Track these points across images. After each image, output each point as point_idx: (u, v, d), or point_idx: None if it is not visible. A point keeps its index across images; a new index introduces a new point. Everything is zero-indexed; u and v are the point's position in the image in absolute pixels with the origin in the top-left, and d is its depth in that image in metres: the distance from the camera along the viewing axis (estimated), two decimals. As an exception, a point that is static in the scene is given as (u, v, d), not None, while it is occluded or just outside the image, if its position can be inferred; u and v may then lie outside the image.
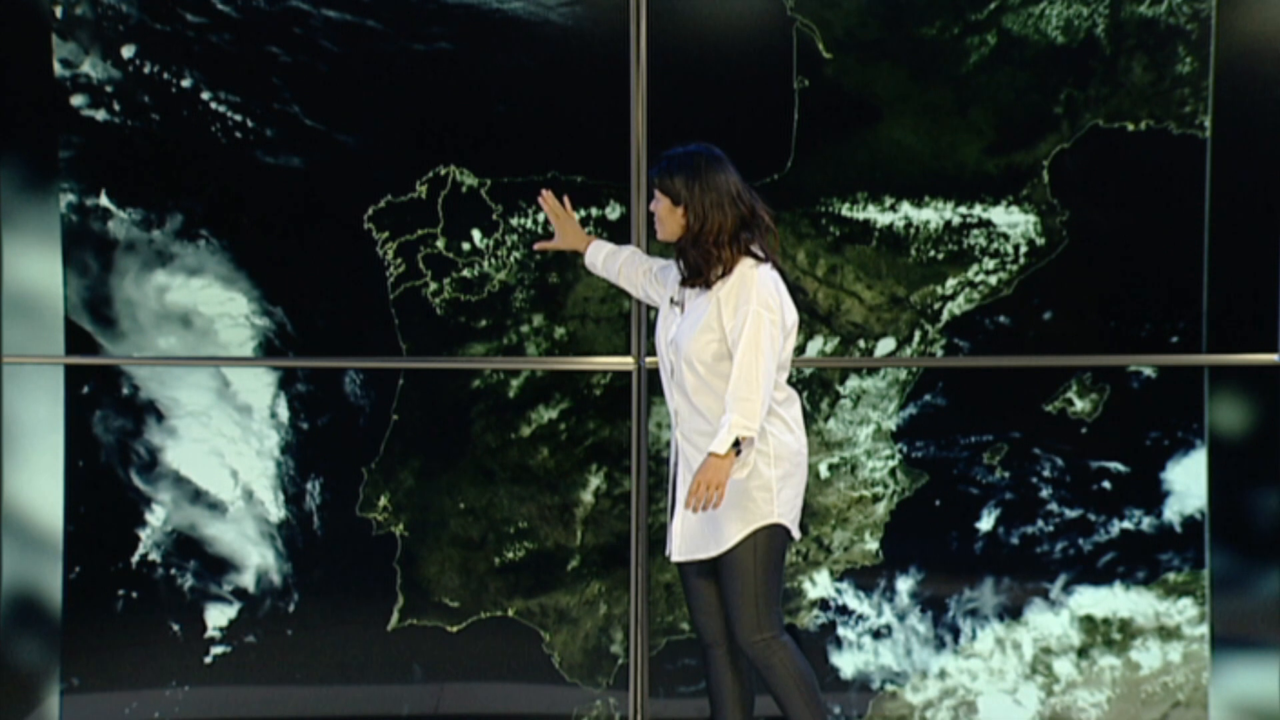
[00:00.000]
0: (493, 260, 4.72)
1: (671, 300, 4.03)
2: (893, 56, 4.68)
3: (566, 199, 4.35)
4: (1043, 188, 4.71)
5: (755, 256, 3.91)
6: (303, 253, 4.71)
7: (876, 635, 4.80)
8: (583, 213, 4.68)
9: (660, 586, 4.79)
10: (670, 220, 3.95)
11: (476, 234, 4.71)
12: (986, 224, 4.72)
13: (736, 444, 3.78)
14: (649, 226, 4.67)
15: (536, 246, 4.43)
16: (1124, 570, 4.79)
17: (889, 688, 4.81)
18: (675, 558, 4.00)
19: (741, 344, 3.82)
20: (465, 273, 4.72)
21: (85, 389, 4.73)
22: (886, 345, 4.74)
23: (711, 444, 3.79)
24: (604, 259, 4.32)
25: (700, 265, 3.90)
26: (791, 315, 3.94)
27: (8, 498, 4.73)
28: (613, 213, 4.70)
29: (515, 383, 4.75)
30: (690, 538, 3.96)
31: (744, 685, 4.08)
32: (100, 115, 4.68)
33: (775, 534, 3.93)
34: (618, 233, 4.69)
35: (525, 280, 4.72)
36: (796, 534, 3.99)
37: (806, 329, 4.72)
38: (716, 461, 3.77)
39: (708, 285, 3.91)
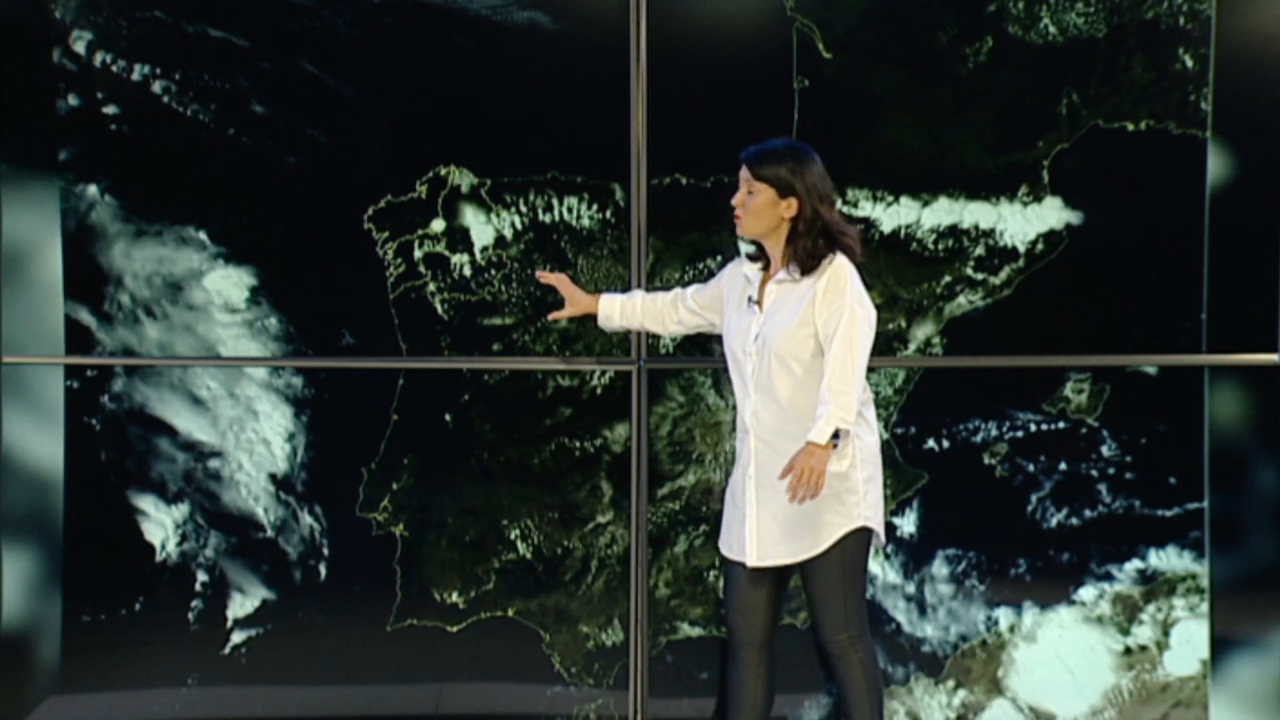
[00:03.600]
0: (492, 260, 4.72)
1: (750, 299, 4.00)
2: (893, 56, 4.68)
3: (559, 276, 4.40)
4: (1043, 188, 4.71)
5: (849, 251, 3.92)
6: (303, 252, 4.71)
7: (877, 634, 4.79)
8: (583, 212, 4.68)
9: (660, 586, 4.79)
10: (769, 213, 3.93)
11: (476, 234, 4.71)
12: (986, 224, 4.71)
13: (834, 436, 3.78)
14: (649, 226, 4.67)
15: (551, 317, 4.45)
16: (1124, 570, 4.79)
17: (890, 687, 4.81)
18: (754, 562, 3.95)
19: (837, 339, 3.81)
20: (465, 272, 4.72)
21: (85, 388, 4.73)
22: (885, 345, 4.74)
23: (810, 434, 3.76)
24: (620, 313, 4.33)
25: (813, 254, 3.89)
26: (873, 314, 3.95)
27: (7, 497, 4.73)
28: (613, 213, 4.70)
29: (515, 383, 4.75)
30: (773, 542, 3.93)
31: (766, 690, 4.07)
32: (100, 115, 4.68)
33: (863, 537, 3.93)
34: (618, 231, 4.69)
35: (525, 280, 4.72)
36: (883, 537, 4.00)
37: (806, 329, 4.72)
38: (817, 450, 3.74)
39: (806, 274, 3.90)
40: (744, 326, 3.99)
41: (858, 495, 3.90)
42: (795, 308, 3.88)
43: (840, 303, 3.84)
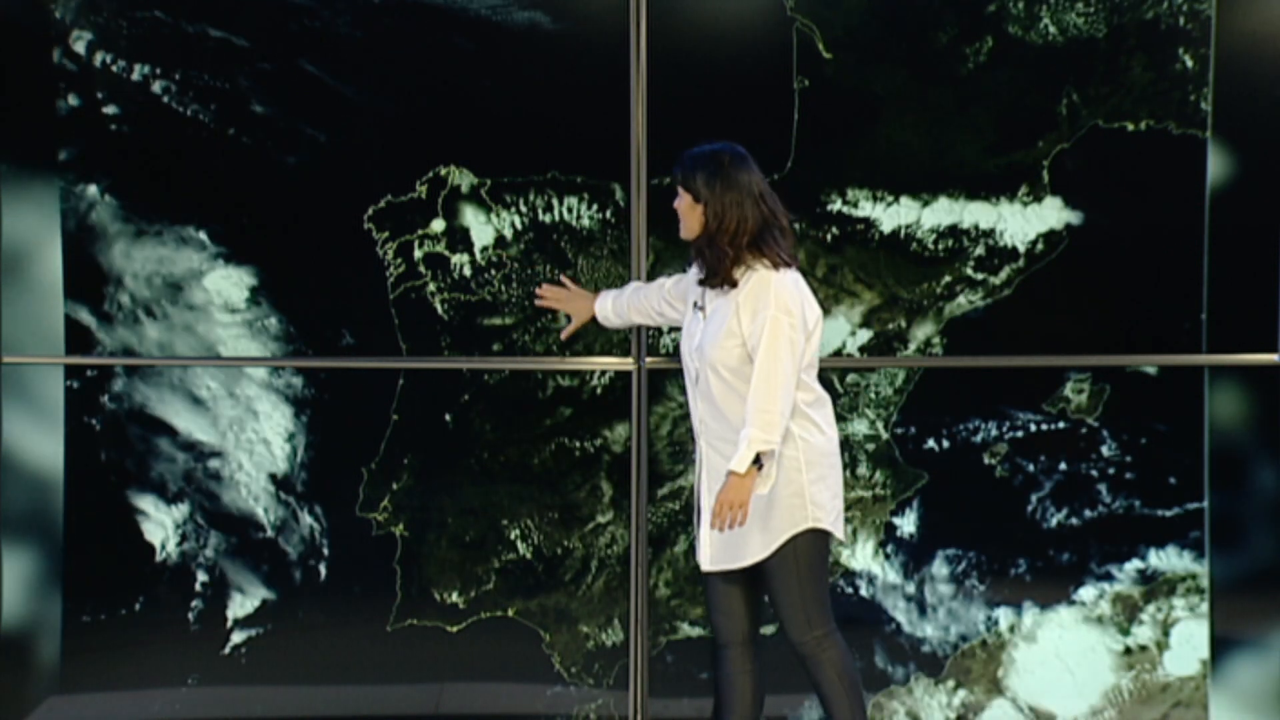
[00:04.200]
0: (492, 260, 4.72)
1: (695, 305, 4.02)
2: (893, 56, 4.68)
3: (563, 278, 4.47)
4: (1043, 188, 4.71)
5: (775, 259, 3.88)
6: (303, 252, 4.71)
7: (876, 634, 4.80)
8: (583, 212, 4.68)
9: (660, 586, 4.79)
10: (691, 217, 3.94)
11: (476, 234, 4.71)
12: (986, 224, 4.71)
13: (757, 460, 3.77)
14: (649, 225, 4.67)
15: (564, 335, 4.57)
16: (1124, 570, 4.79)
17: (890, 687, 4.81)
18: (707, 567, 3.97)
19: (760, 352, 3.80)
20: (465, 272, 4.72)
21: (85, 388, 4.73)
22: (885, 345, 4.74)
23: (731, 463, 3.77)
24: (612, 308, 4.39)
25: (716, 264, 3.89)
26: (813, 314, 3.92)
27: (8, 497, 4.73)
28: (613, 213, 4.70)
29: (515, 383, 4.75)
30: (724, 547, 3.94)
31: (755, 687, 4.07)
32: (100, 115, 4.68)
33: (815, 538, 3.92)
34: (618, 231, 4.69)
35: (525, 280, 4.72)
36: (840, 534, 3.99)
37: (806, 329, 4.73)
38: (737, 481, 3.75)
39: (728, 285, 3.89)
40: (691, 332, 4.02)
41: (803, 498, 3.89)
42: (724, 317, 3.88)
43: (764, 313, 3.81)
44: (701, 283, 3.96)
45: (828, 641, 3.94)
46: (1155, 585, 4.79)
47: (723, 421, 3.91)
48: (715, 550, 3.95)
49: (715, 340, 3.87)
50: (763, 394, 3.77)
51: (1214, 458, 4.77)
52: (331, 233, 4.70)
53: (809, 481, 3.88)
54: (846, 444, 4.76)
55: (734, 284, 3.87)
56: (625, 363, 4.73)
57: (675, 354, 4.71)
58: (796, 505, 3.88)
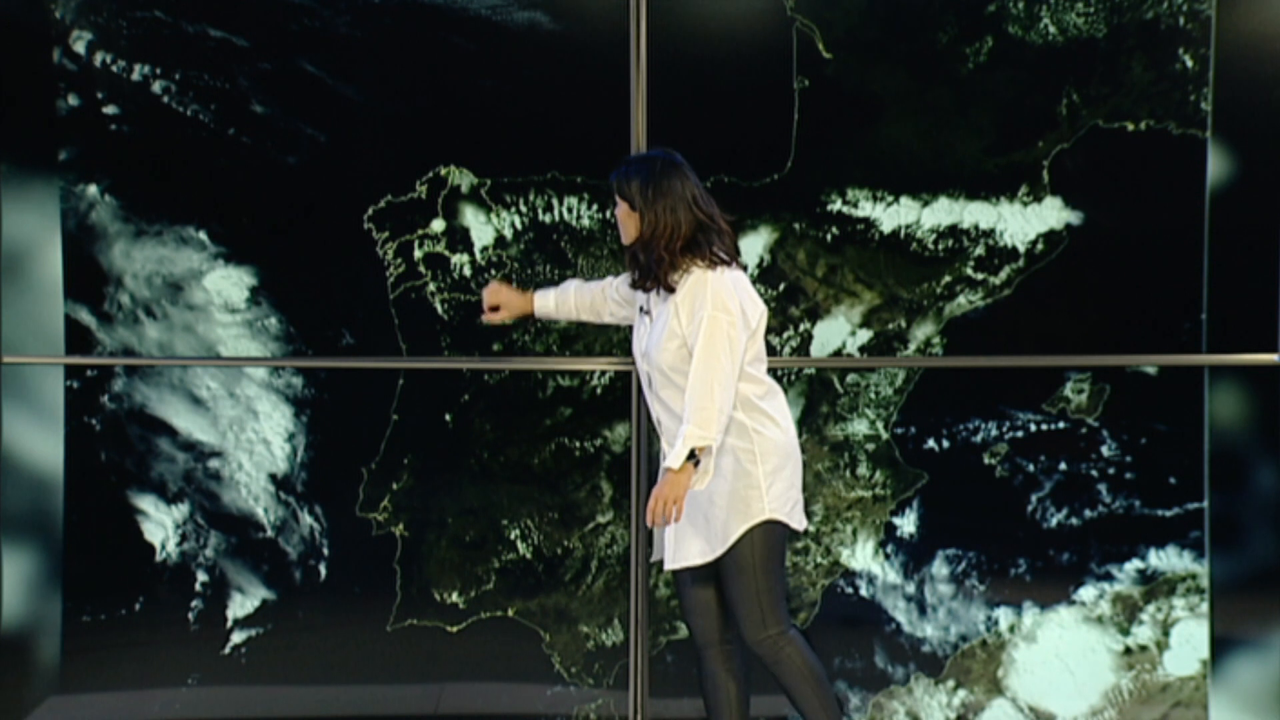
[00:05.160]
0: (492, 260, 4.72)
1: (641, 309, 4.05)
2: (893, 56, 4.68)
3: (494, 282, 4.39)
4: (1043, 188, 4.71)
5: (713, 260, 3.90)
6: (302, 252, 4.72)
7: (876, 634, 4.80)
8: (583, 212, 4.68)
9: (660, 586, 4.79)
10: (629, 224, 3.98)
11: (476, 234, 4.71)
12: (986, 224, 4.72)
13: (694, 456, 3.78)
14: (649, 226, 4.67)
15: (485, 319, 4.42)
16: (1124, 570, 4.79)
17: (890, 687, 4.81)
18: (669, 566, 3.99)
19: (698, 350, 3.82)
20: (465, 272, 4.72)
21: (85, 388, 4.73)
22: (885, 345, 4.74)
23: (667, 458, 3.80)
24: (555, 304, 4.34)
25: (650, 268, 3.91)
26: (755, 310, 3.93)
27: (8, 497, 4.73)
28: (613, 213, 4.70)
29: (515, 383, 4.75)
30: (682, 544, 3.96)
31: (739, 686, 4.07)
32: (100, 115, 4.68)
33: (771, 530, 3.92)
34: (618, 232, 4.69)
35: (525, 280, 4.72)
36: (799, 526, 4.00)
37: (805, 329, 4.72)
38: (673, 477, 3.78)
39: (666, 289, 3.92)
40: (640, 335, 4.04)
41: (759, 490, 3.90)
42: (665, 320, 3.90)
43: (700, 313, 3.84)
44: (634, 286, 3.98)
45: (784, 639, 3.95)
46: (1155, 585, 4.80)
47: (672, 421, 3.94)
48: (675, 548, 3.96)
49: (659, 343, 3.90)
50: (699, 391, 3.79)
51: (1214, 458, 4.77)
52: (331, 233, 4.70)
53: (764, 474, 3.90)
54: (846, 444, 4.76)
55: (670, 288, 3.90)
56: (625, 362, 4.73)
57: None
58: (753, 497, 3.90)
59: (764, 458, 3.90)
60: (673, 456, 3.77)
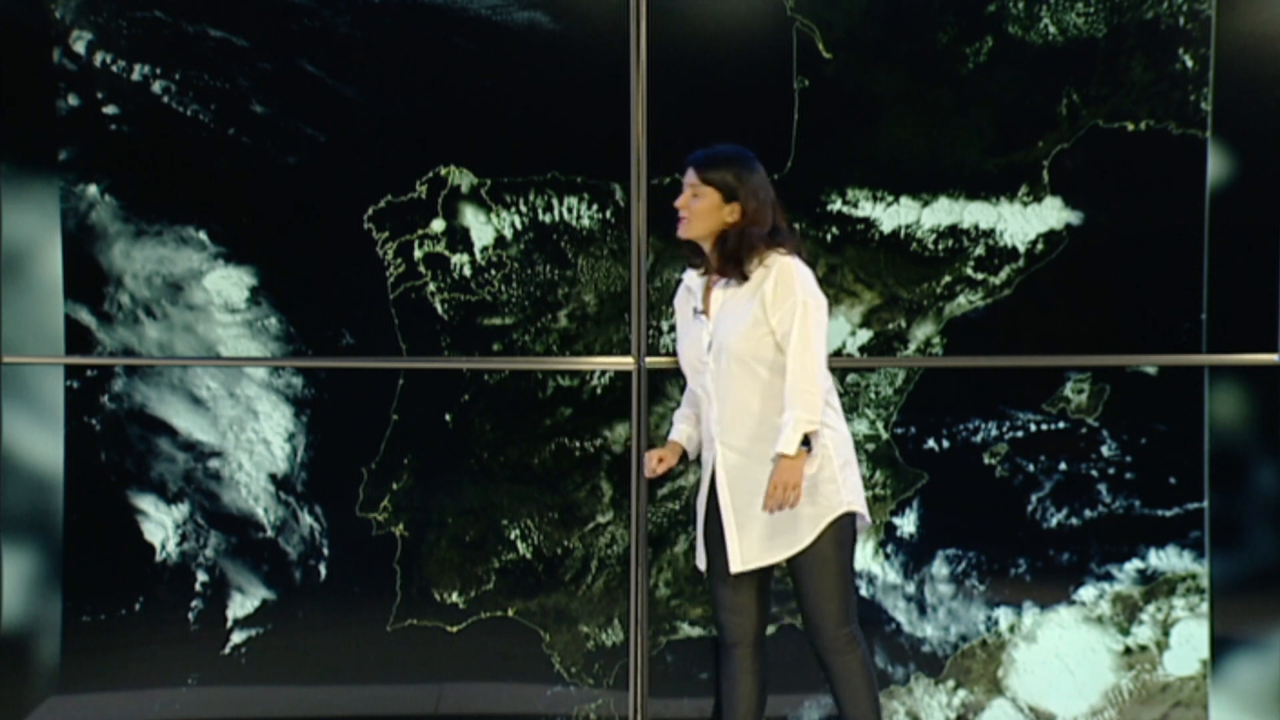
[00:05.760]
0: (492, 260, 4.72)
1: (696, 310, 3.99)
2: (893, 56, 4.68)
3: (657, 459, 4.12)
4: (1043, 188, 4.71)
5: (792, 247, 3.93)
6: (302, 252, 4.72)
7: (876, 634, 4.80)
8: (583, 212, 4.68)
9: (660, 586, 4.79)
10: (712, 216, 3.93)
11: (476, 234, 4.71)
12: (986, 224, 4.72)
13: (806, 441, 3.79)
14: (649, 225, 4.67)
15: (654, 472, 4.16)
16: (1124, 570, 4.79)
17: (890, 687, 4.81)
18: (739, 568, 3.91)
19: (795, 337, 3.82)
20: (465, 272, 4.72)
21: (85, 388, 4.73)
22: (885, 345, 4.74)
23: (780, 444, 3.78)
24: (689, 433, 4.14)
25: (739, 256, 3.89)
26: (825, 303, 3.97)
27: (8, 497, 4.73)
28: (613, 213, 4.70)
29: (515, 383, 4.75)
30: (755, 544, 3.91)
31: (760, 687, 4.06)
32: (100, 115, 4.68)
33: (848, 523, 3.92)
34: (618, 231, 4.69)
35: (525, 280, 4.72)
36: (868, 519, 4.01)
37: (806, 329, 4.73)
38: (789, 462, 3.77)
39: (741, 279, 3.90)
40: (695, 337, 3.99)
41: (836, 484, 3.89)
42: (745, 309, 3.88)
43: (791, 299, 3.84)
44: (712, 274, 3.94)
45: (857, 637, 3.95)
46: (1155, 585, 4.80)
47: (746, 419, 3.90)
48: (747, 549, 3.92)
49: (742, 332, 3.87)
50: (803, 376, 3.81)
51: (1214, 458, 4.77)
52: (331, 233, 4.70)
53: (838, 467, 3.91)
54: (846, 444, 4.76)
55: (746, 277, 3.89)
56: (625, 362, 4.73)
57: (674, 353, 4.71)
58: (831, 491, 3.90)
59: (837, 451, 3.91)
60: (784, 442, 3.77)
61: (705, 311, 3.97)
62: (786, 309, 3.84)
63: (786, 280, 3.86)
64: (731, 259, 3.91)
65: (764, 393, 3.88)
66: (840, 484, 3.90)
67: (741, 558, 3.91)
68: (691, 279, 4.04)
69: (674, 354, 4.69)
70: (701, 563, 4.06)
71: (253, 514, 4.77)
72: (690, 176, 3.95)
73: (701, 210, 3.93)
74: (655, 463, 4.09)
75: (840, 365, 4.72)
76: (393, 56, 4.67)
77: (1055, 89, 4.68)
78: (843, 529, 3.91)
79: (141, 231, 4.71)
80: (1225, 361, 4.74)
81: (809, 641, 3.96)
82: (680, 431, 4.13)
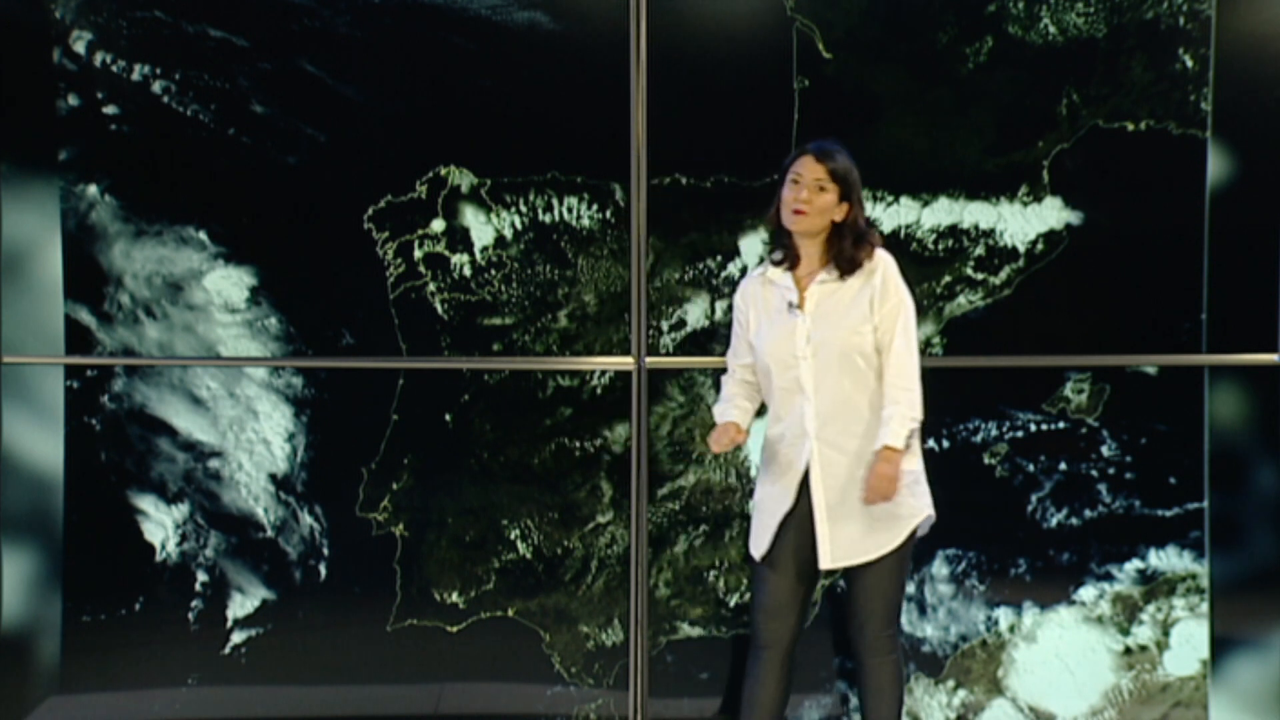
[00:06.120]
0: (492, 260, 4.72)
1: (790, 304, 3.96)
2: (893, 56, 4.68)
3: (735, 433, 4.01)
4: (1043, 188, 4.71)
5: (879, 243, 3.99)
6: (302, 252, 4.72)
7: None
8: (583, 212, 4.68)
9: (660, 586, 4.79)
10: (830, 211, 3.95)
11: (476, 234, 4.71)
12: (986, 224, 4.71)
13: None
14: (649, 225, 4.67)
15: (721, 448, 4.05)
16: (1124, 570, 4.79)
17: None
18: (829, 564, 3.92)
19: (899, 335, 3.89)
20: (465, 272, 4.72)
21: (85, 388, 4.73)
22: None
23: (886, 438, 3.82)
24: (744, 411, 4.09)
25: (859, 253, 3.93)
26: None
27: (8, 497, 4.73)
28: (613, 213, 4.70)
29: (515, 383, 4.75)
30: (851, 542, 3.92)
31: (784, 694, 4.05)
32: (100, 115, 4.68)
33: (923, 526, 4.01)
34: (618, 231, 4.69)
35: (525, 280, 4.72)
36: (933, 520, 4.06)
37: (806, 329, 4.73)
38: (893, 455, 3.83)
39: (848, 275, 3.92)
40: (786, 332, 3.95)
41: (922, 486, 3.99)
42: (852, 305, 3.90)
43: (897, 298, 3.91)
44: (821, 269, 3.95)
45: (899, 638, 4.00)
46: (1155, 585, 4.79)
47: (847, 413, 3.91)
48: (838, 547, 3.92)
49: (850, 328, 3.90)
50: (908, 373, 3.89)
51: (1214, 458, 4.77)
52: (331, 233, 4.70)
53: (919, 471, 3.99)
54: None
55: (854, 273, 3.94)
56: (625, 362, 4.73)
57: (675, 353, 4.71)
58: (921, 492, 3.98)
59: (915, 455, 3.98)
60: (892, 435, 3.83)
61: (799, 307, 3.96)
62: (891, 306, 3.90)
63: (894, 279, 3.93)
64: (846, 255, 3.93)
65: (863, 388, 3.91)
66: (923, 488, 3.99)
67: (832, 555, 3.91)
68: (775, 274, 4.02)
69: (674, 354, 4.69)
70: (759, 551, 4.01)
71: (253, 514, 4.77)
72: (814, 169, 3.93)
73: (823, 205, 3.93)
74: (739, 435, 3.97)
75: (840, 365, 4.72)
76: (393, 56, 4.67)
77: (1055, 89, 4.68)
78: (917, 532, 3.98)
79: (141, 231, 4.71)
80: (1225, 361, 4.74)
81: (850, 640, 3.98)
82: (743, 410, 4.07)
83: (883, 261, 3.94)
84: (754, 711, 4.04)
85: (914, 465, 3.96)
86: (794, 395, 3.94)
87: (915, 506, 3.95)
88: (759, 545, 4.02)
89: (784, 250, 4.01)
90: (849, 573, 3.96)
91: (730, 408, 4.08)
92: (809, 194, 3.92)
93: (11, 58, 4.67)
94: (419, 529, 4.77)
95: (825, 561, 3.92)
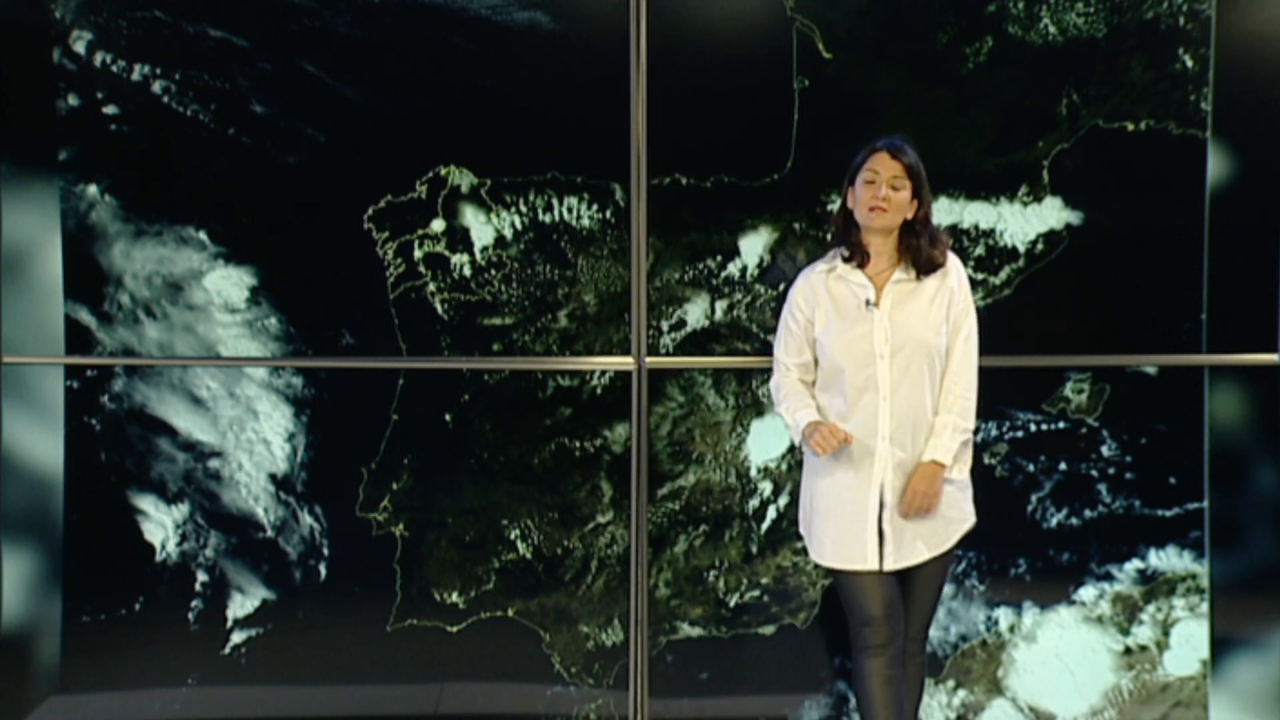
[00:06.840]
0: (492, 260, 4.72)
1: (868, 302, 3.95)
2: (893, 56, 4.68)
3: (845, 435, 3.94)
4: (1043, 188, 4.71)
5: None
6: (302, 252, 4.72)
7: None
8: (583, 212, 4.68)
9: (660, 586, 4.79)
10: (905, 208, 3.96)
11: (476, 234, 4.71)
12: (986, 224, 4.72)
13: None
14: (649, 225, 4.67)
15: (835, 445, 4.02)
16: (1124, 570, 4.79)
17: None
18: (892, 565, 3.92)
19: (966, 339, 3.90)
20: (465, 272, 4.72)
21: (85, 388, 4.73)
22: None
23: (935, 452, 3.84)
24: (815, 411, 4.03)
25: (933, 254, 3.93)
26: None
27: (8, 497, 4.73)
28: (613, 213, 4.70)
29: (515, 383, 4.75)
30: (910, 542, 3.93)
31: (903, 690, 4.01)
32: (100, 115, 4.68)
33: (968, 532, 4.04)
34: (618, 231, 4.69)
35: (525, 280, 4.72)
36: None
37: (806, 329, 4.72)
38: (937, 470, 3.83)
39: (928, 274, 3.92)
40: (862, 331, 3.93)
41: (970, 493, 4.02)
42: (930, 306, 3.91)
43: (968, 302, 3.94)
44: (898, 267, 3.94)
45: (926, 643, 4.09)
46: (1155, 585, 4.80)
47: (917, 415, 3.92)
48: (901, 547, 3.93)
49: (935, 326, 3.91)
50: (969, 383, 3.88)
51: (1214, 458, 4.77)
52: (331, 233, 4.70)
53: (969, 477, 4.01)
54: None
55: (933, 272, 3.94)
56: (625, 362, 4.73)
57: (675, 353, 4.72)
58: (968, 498, 4.02)
59: (966, 464, 4.00)
60: (945, 451, 3.83)
61: (875, 304, 3.95)
62: (962, 310, 3.93)
63: (966, 283, 3.97)
64: (925, 254, 3.93)
65: (931, 390, 3.92)
66: (971, 495, 4.02)
67: (895, 556, 3.92)
68: (845, 270, 4.00)
69: (674, 354, 4.69)
70: (837, 561, 3.95)
71: (253, 514, 4.77)
72: (890, 166, 3.94)
73: (900, 202, 3.94)
74: (849, 436, 3.89)
75: (840, 365, 4.73)
76: (393, 56, 4.67)
77: (1055, 89, 4.68)
78: (962, 537, 4.02)
79: (141, 231, 4.71)
80: (1225, 361, 4.74)
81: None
82: (814, 410, 3.99)
83: (955, 263, 3.96)
84: (891, 710, 3.91)
85: (964, 474, 3.98)
86: (866, 394, 3.92)
87: (967, 512, 4.00)
88: (831, 550, 3.94)
89: (852, 247, 4.00)
90: (905, 575, 4.00)
91: (808, 411, 3.97)
92: (887, 191, 3.93)
93: (11, 58, 4.68)
94: (419, 529, 4.77)
95: (889, 562, 3.92)
